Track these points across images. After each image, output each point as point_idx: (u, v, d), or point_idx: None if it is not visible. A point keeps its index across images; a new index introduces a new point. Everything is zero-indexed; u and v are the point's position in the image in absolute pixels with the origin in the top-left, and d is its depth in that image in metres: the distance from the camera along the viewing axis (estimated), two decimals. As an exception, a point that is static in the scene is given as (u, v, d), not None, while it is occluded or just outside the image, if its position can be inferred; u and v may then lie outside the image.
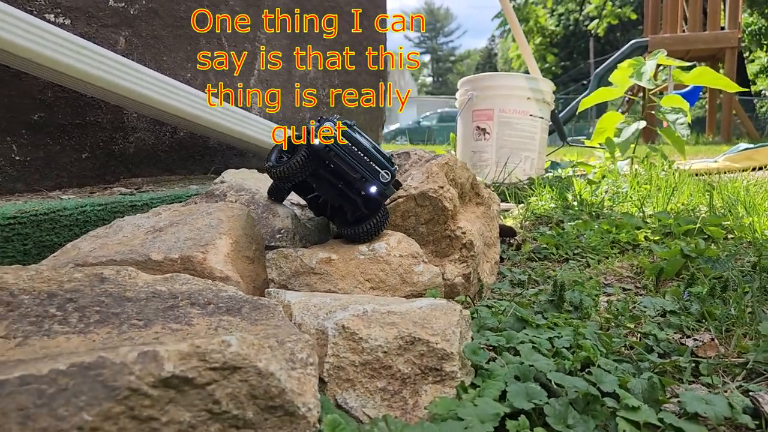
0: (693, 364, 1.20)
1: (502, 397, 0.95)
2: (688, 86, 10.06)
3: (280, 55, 3.01)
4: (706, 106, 14.06)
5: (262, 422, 0.77)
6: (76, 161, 2.08)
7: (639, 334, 1.37)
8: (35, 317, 0.98)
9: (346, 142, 1.32)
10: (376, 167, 1.33)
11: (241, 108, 2.53)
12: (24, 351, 0.88)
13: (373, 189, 1.33)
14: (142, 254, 1.27)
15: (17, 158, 1.88)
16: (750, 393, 1.04)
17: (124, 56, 1.96)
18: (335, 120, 1.36)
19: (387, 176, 1.33)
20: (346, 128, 1.34)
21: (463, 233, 1.62)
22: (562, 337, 1.17)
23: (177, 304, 1.02)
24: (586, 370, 1.07)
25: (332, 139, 1.30)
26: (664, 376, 1.13)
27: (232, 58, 2.69)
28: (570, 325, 1.27)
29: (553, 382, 1.00)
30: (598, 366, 1.08)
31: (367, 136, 1.45)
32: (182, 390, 0.72)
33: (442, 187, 1.58)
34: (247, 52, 2.79)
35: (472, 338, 1.14)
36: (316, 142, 1.29)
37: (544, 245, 2.36)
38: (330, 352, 0.94)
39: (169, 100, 2.07)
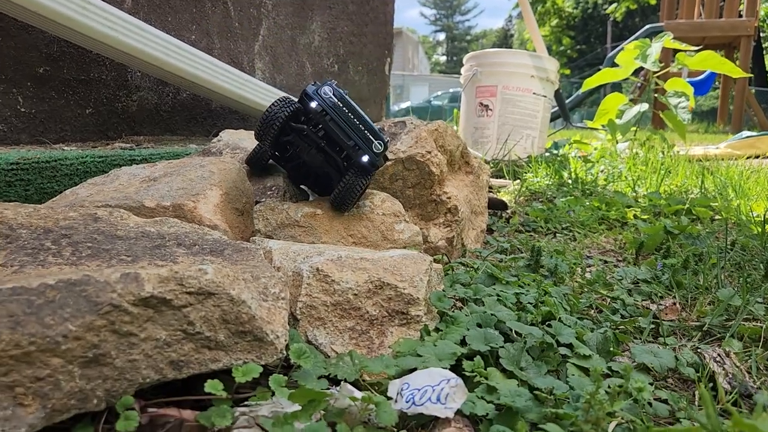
0: (653, 326, 1.26)
1: (463, 342, 1.02)
2: (702, 74, 9.96)
3: (285, 22, 3.04)
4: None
5: (232, 345, 0.84)
6: (79, 116, 2.14)
7: (608, 299, 1.43)
8: (31, 249, 1.05)
9: (344, 108, 1.30)
10: (371, 137, 1.31)
11: (244, 73, 2.58)
12: (19, 277, 0.95)
13: (365, 158, 1.30)
14: (135, 201, 1.34)
15: (22, 110, 1.95)
16: (698, 350, 1.10)
17: (130, 15, 2.01)
18: (333, 84, 1.34)
19: (380, 146, 1.31)
20: (344, 93, 1.31)
21: (449, 198, 1.68)
22: (528, 294, 1.24)
23: (164, 244, 1.09)
24: (547, 323, 1.13)
25: (329, 104, 1.27)
26: (625, 335, 1.20)
27: (236, 22, 2.73)
28: (539, 285, 1.34)
29: (513, 331, 1.07)
30: (559, 320, 1.14)
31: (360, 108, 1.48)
32: (160, 310, 0.79)
33: (429, 152, 1.64)
34: (252, 18, 2.83)
35: (444, 291, 1.20)
36: (313, 104, 1.27)
37: (534, 219, 2.42)
38: (304, 292, 1.01)
39: (173, 60, 2.12)
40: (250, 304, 0.84)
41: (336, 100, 1.29)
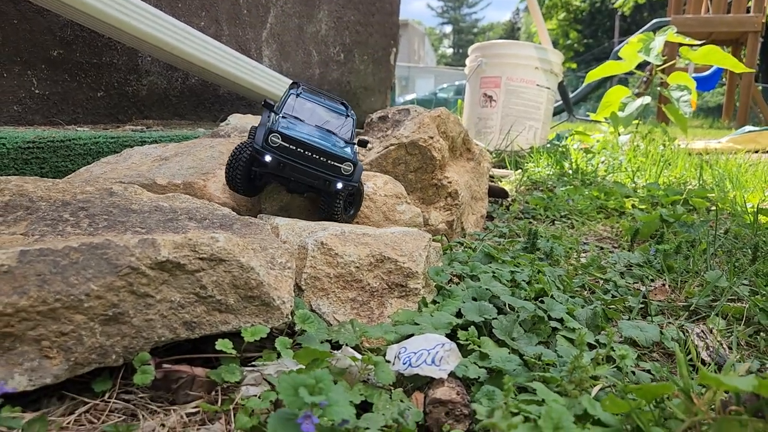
0: (643, 306, 1.31)
1: (459, 314, 1.08)
2: (708, 70, 9.91)
3: (293, 11, 3.09)
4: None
5: (241, 309, 0.90)
6: (91, 99, 2.20)
7: (601, 281, 1.48)
8: (51, 220, 1.11)
9: (298, 149, 1.23)
10: (335, 163, 1.24)
11: (252, 60, 2.63)
12: (8, 246, 1.00)
13: (339, 185, 1.26)
14: (148, 178, 1.40)
15: (36, 92, 2.00)
16: (683, 327, 1.15)
17: (142, 1, 2.07)
18: (278, 127, 1.23)
19: (349, 168, 1.25)
20: (288, 134, 1.23)
21: (449, 182, 1.73)
22: (523, 272, 1.29)
23: (176, 217, 1.14)
24: (540, 299, 1.18)
25: (281, 154, 1.22)
26: (615, 312, 1.25)
27: (244, 9, 2.78)
28: (533, 264, 1.39)
29: (507, 305, 1.12)
30: (552, 297, 1.19)
31: (324, 101, 1.41)
32: (175, 274, 0.85)
33: (432, 138, 1.69)
34: (260, 6, 2.87)
35: (442, 267, 1.26)
36: (267, 158, 1.22)
37: (534, 206, 2.47)
38: (308, 264, 1.07)
39: (183, 45, 2.17)
40: (258, 270, 0.90)
41: (288, 144, 1.22)
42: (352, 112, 1.45)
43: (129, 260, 0.82)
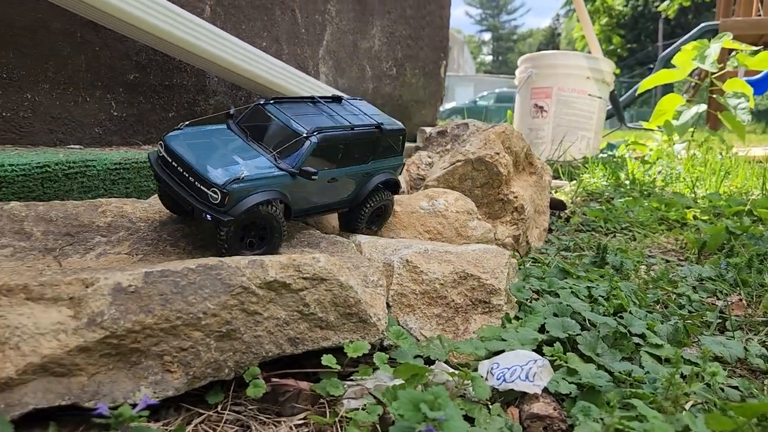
0: (720, 321, 1.31)
1: (541, 330, 1.10)
2: (760, 73, 9.64)
3: (348, 27, 3.16)
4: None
5: (340, 325, 0.95)
6: (163, 119, 2.30)
7: (674, 295, 1.48)
8: (151, 240, 1.18)
9: (171, 161, 1.10)
10: (202, 187, 1.04)
11: (311, 77, 2.70)
12: (141, 265, 1.07)
13: (209, 218, 1.03)
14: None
15: (115, 114, 2.11)
16: (765, 343, 1.15)
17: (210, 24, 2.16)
18: (166, 135, 1.15)
19: (216, 196, 1.02)
20: (169, 144, 1.12)
21: (515, 197, 1.75)
22: (599, 287, 1.31)
23: (266, 236, 1.20)
24: (618, 315, 1.20)
25: (162, 166, 1.11)
26: (693, 327, 1.25)
27: (303, 28, 2.86)
28: (608, 280, 1.40)
29: (587, 321, 1.14)
30: (630, 312, 1.21)
31: (289, 118, 1.20)
32: (281, 293, 0.90)
33: (498, 153, 1.72)
34: (317, 24, 2.95)
35: (522, 283, 1.29)
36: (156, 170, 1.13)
37: (593, 218, 2.46)
38: (395, 281, 1.11)
39: (249, 66, 2.26)
40: (356, 289, 0.95)
41: (166, 156, 1.11)
42: (318, 136, 1.16)
43: (241, 280, 0.87)
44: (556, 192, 3.12)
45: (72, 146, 1.93)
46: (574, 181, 3.36)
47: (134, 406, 0.75)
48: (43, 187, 1.48)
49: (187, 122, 1.24)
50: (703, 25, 10.13)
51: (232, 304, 0.86)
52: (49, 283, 0.83)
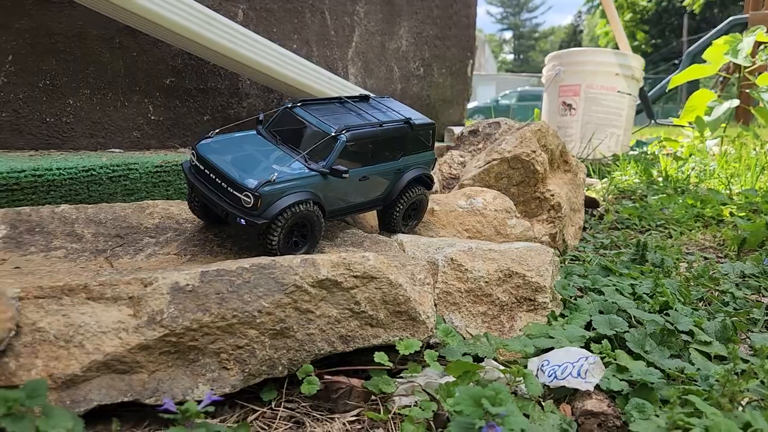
0: (767, 317, 1.29)
1: (587, 327, 1.10)
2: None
3: (376, 29, 3.17)
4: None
5: (390, 323, 0.95)
6: (198, 123, 2.33)
7: (716, 292, 1.47)
8: (198, 241, 1.20)
9: (204, 169, 1.12)
10: (235, 192, 1.06)
11: (340, 78, 2.72)
12: (194, 265, 1.09)
13: (243, 222, 1.05)
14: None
15: (152, 118, 2.15)
16: (818, 339, 1.13)
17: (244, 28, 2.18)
18: (198, 144, 1.17)
19: (248, 200, 1.04)
20: (201, 152, 1.14)
21: (552, 195, 1.75)
22: (642, 285, 1.30)
23: (309, 236, 1.21)
24: (664, 312, 1.19)
25: (194, 175, 1.14)
26: (740, 324, 1.24)
27: (332, 30, 2.88)
28: (651, 277, 1.39)
29: (633, 318, 1.14)
30: (675, 309, 1.20)
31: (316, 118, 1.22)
32: (332, 291, 0.91)
33: (534, 151, 1.71)
34: (346, 26, 2.97)
35: (565, 280, 1.28)
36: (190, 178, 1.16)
37: (627, 216, 2.44)
38: (440, 280, 1.12)
39: (281, 68, 2.28)
40: (405, 287, 0.95)
41: (199, 164, 1.14)
42: (347, 135, 1.17)
43: (294, 279, 0.88)
44: (587, 190, 3.10)
45: (112, 150, 1.96)
46: (605, 179, 3.33)
47: (197, 402, 0.76)
48: (89, 190, 1.51)
49: (217, 130, 1.26)
50: (731, 18, 9.96)
51: (285, 302, 0.87)
52: (109, 282, 0.85)
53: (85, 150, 1.91)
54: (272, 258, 0.92)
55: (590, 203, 2.53)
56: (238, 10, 2.40)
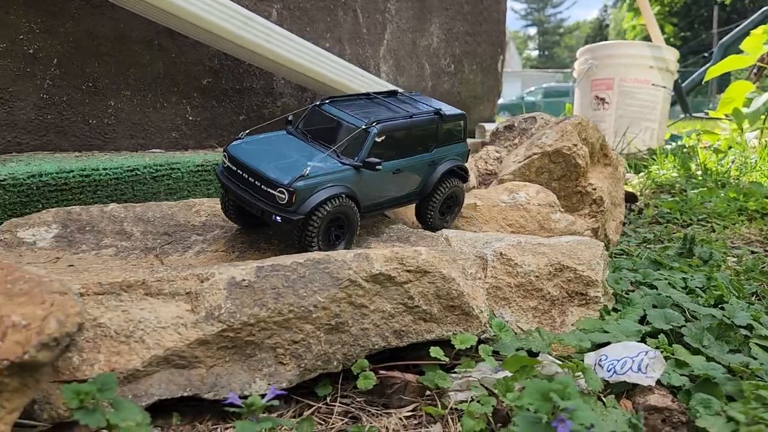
0: (825, 312, 1.25)
1: (641, 321, 1.08)
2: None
3: (407, 26, 3.16)
4: None
5: (443, 318, 0.95)
6: (234, 122, 2.35)
7: (769, 286, 1.43)
8: (245, 238, 1.21)
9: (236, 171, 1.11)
10: (269, 189, 1.05)
11: (372, 75, 2.72)
12: (243, 261, 1.09)
13: (278, 219, 1.04)
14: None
15: (190, 118, 2.17)
16: None
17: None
18: (229, 145, 1.17)
19: (282, 195, 1.03)
20: (233, 153, 1.14)
21: (594, 189, 1.72)
22: (694, 278, 1.27)
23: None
24: (719, 306, 1.16)
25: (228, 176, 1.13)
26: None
27: (364, 28, 2.88)
28: (701, 271, 1.36)
29: (688, 312, 1.11)
30: (730, 304, 1.17)
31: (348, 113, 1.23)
32: (386, 285, 0.91)
33: (575, 145, 1.69)
34: (377, 24, 2.96)
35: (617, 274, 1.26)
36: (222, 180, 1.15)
37: (667, 210, 2.40)
38: (489, 274, 1.10)
39: (316, 66, 2.28)
40: (458, 281, 0.94)
41: (231, 165, 1.13)
42: (378, 127, 1.17)
43: (348, 273, 0.88)
44: (624, 184, 3.05)
45: (153, 150, 1.99)
46: (641, 173, 3.27)
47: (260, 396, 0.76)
48: (134, 190, 1.53)
49: (247, 131, 1.26)
50: (765, 8, 9.71)
51: (340, 297, 0.87)
52: (166, 278, 0.86)
53: (126, 150, 1.94)
54: (326, 253, 0.92)
55: (628, 198, 2.48)
56: (272, 9, 2.41)
